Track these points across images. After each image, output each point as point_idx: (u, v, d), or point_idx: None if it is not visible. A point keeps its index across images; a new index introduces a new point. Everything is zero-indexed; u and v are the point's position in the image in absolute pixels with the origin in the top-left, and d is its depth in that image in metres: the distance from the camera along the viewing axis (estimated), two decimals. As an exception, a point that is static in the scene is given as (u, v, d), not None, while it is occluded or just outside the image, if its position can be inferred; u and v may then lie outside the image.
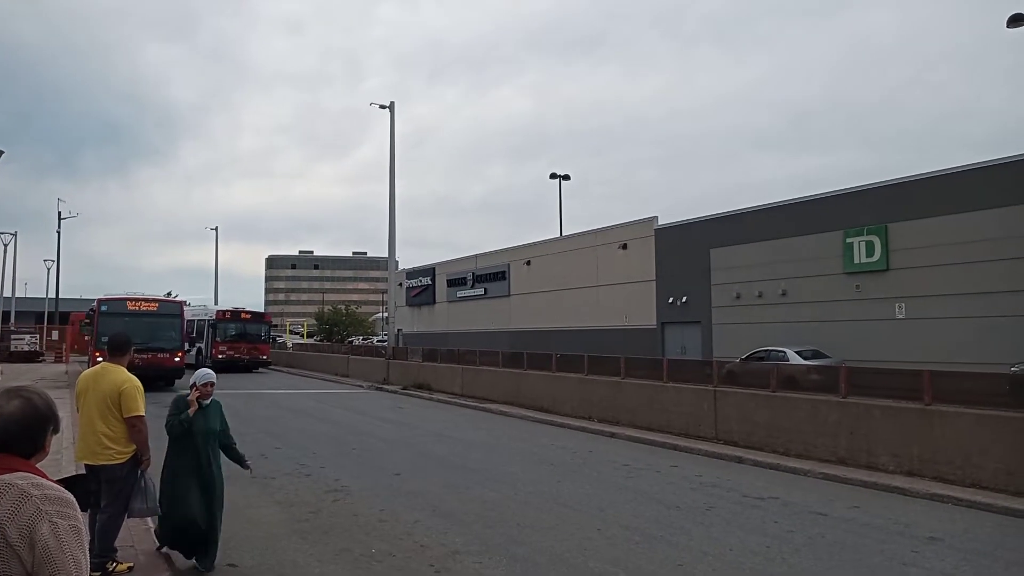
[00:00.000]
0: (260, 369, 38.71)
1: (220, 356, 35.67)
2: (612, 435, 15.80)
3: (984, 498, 9.83)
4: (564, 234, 38.57)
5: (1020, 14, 22.46)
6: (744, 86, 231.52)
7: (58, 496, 1.99)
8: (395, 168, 31.04)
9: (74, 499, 2.03)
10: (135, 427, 5.93)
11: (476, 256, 42.56)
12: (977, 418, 10.77)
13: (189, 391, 6.52)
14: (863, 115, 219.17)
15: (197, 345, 37.56)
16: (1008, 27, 22.76)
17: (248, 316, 38.71)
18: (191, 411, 6.33)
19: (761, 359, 20.74)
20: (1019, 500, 9.68)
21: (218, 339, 36.75)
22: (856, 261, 22.39)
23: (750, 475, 11.84)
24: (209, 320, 37.89)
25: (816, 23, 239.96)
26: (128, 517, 6.14)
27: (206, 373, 6.60)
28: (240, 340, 37.44)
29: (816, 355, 20.75)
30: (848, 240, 22.58)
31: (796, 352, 20.71)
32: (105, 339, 6.96)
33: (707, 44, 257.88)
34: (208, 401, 6.53)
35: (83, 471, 6.16)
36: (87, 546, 2.00)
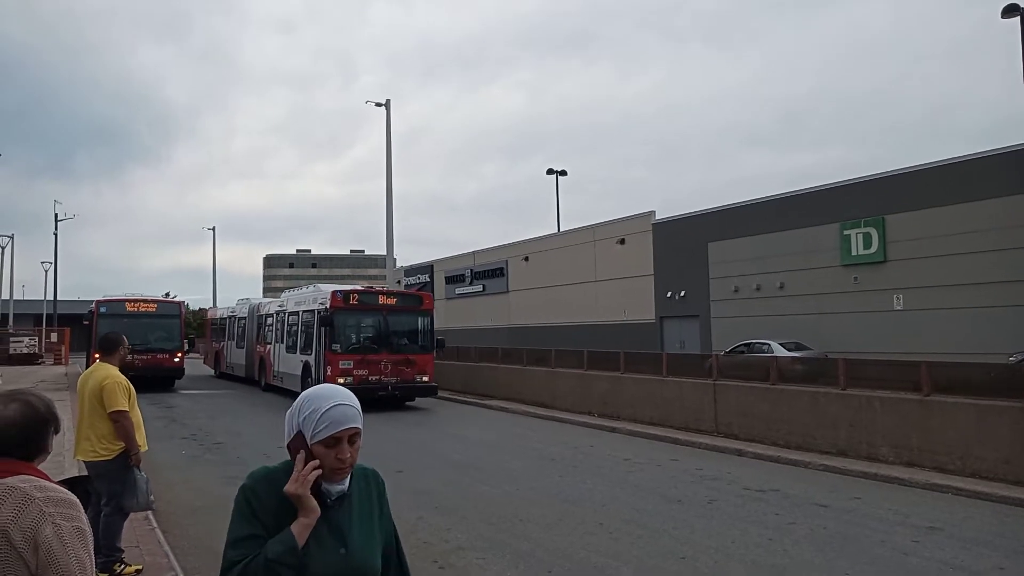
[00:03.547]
0: (415, 401, 21.05)
1: (343, 382, 17.43)
2: (612, 430, 15.83)
3: (983, 487, 9.89)
4: (561, 230, 38.56)
5: (1015, 4, 22.48)
6: (736, 83, 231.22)
7: (61, 498, 2.00)
8: (392, 166, 31.02)
9: (77, 500, 2.03)
10: (118, 422, 5.95)
11: (474, 253, 42.52)
12: (975, 408, 10.81)
13: (284, 464, 2.06)
14: (855, 110, 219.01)
15: (303, 359, 21.01)
16: (1003, 17, 22.77)
17: (394, 301, 20.80)
18: (306, 521, 1.95)
19: (742, 352, 20.83)
20: (1017, 489, 9.73)
21: (337, 346, 19.20)
22: (853, 253, 22.40)
23: (751, 468, 11.87)
24: (320, 311, 20.03)
25: (807, 18, 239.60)
26: (123, 511, 6.16)
27: (339, 407, 2.03)
28: (382, 346, 19.82)
29: (798, 347, 20.82)
30: (845, 232, 22.59)
31: (780, 344, 20.79)
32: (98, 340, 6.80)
33: (698, 41, 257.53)
34: (345, 483, 2.08)
35: (84, 471, 6.18)
36: (92, 547, 2.01)
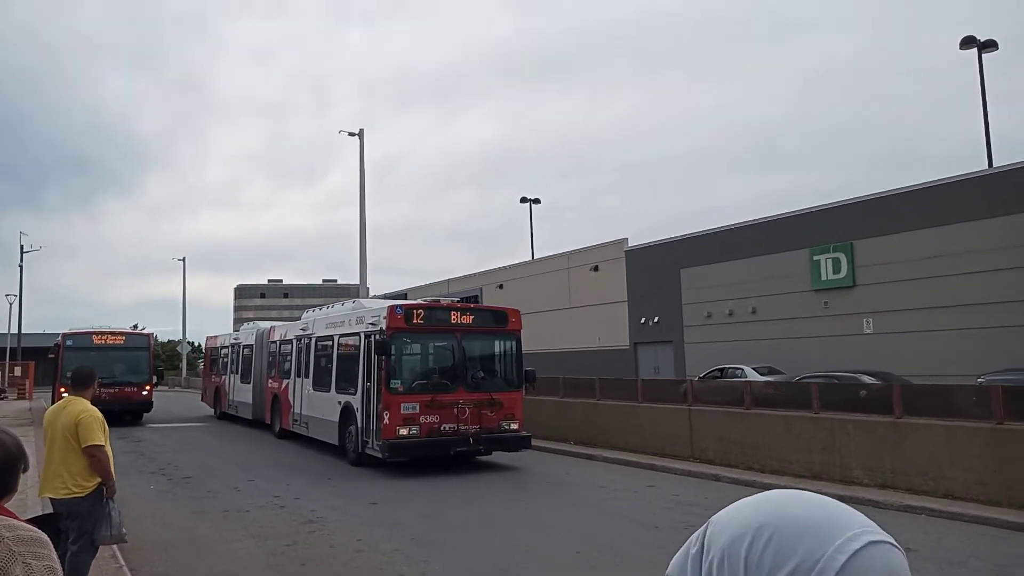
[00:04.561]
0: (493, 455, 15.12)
1: (405, 434, 13.42)
2: (589, 457, 15.78)
3: (956, 508, 9.97)
4: (535, 257, 38.72)
5: (972, 36, 23.22)
6: (708, 109, 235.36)
7: (31, 536, 1.94)
8: (365, 195, 31.02)
9: (47, 539, 1.98)
10: (94, 456, 5.81)
11: (448, 281, 42.52)
12: (947, 430, 10.94)
13: None
14: (827, 136, 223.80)
15: (342, 400, 15.47)
16: (961, 49, 23.52)
17: (471, 319, 14.89)
18: None
19: (716, 377, 21.00)
20: (990, 509, 9.83)
21: (397, 382, 13.75)
22: (823, 278, 22.74)
23: (727, 492, 11.87)
24: (370, 334, 14.48)
25: (777, 47, 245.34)
26: (94, 545, 6.00)
27: (876, 547, 0.82)
28: (457, 381, 14.25)
29: (771, 371, 21.05)
30: (815, 257, 22.95)
31: (753, 369, 21.00)
32: (69, 374, 6.58)
33: (672, 68, 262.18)
34: None
35: (48, 508, 6.01)
36: None
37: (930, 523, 9.59)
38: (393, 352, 13.65)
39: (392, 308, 13.88)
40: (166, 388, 43.24)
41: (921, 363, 19.21)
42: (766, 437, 13.38)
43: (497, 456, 15.03)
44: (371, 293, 48.70)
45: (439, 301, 15.43)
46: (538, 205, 44.07)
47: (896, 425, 11.51)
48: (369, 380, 14.29)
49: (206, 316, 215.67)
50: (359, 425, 14.38)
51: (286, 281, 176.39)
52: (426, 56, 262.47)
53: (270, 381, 21.21)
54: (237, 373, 25.00)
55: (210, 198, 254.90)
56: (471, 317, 14.76)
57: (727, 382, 18.45)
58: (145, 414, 24.83)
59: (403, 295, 46.03)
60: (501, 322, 15.29)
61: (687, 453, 14.71)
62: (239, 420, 24.15)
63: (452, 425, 13.68)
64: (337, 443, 15.48)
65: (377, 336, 13.93)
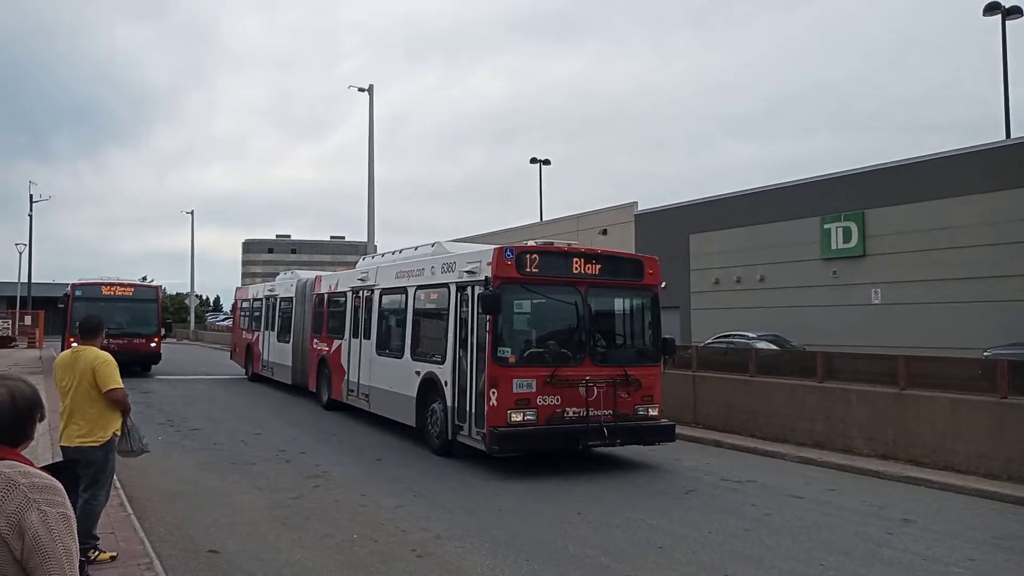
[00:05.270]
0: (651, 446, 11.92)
1: (520, 420, 10.25)
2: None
3: (957, 480, 10.04)
4: (545, 219, 38.57)
5: (996, 2, 22.69)
6: (720, 71, 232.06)
7: (46, 484, 1.98)
8: (374, 151, 30.83)
9: (62, 486, 2.02)
10: (116, 399, 5.95)
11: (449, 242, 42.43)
12: (950, 402, 10.96)
13: None
14: (839, 99, 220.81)
15: (425, 369, 12.28)
16: (984, 15, 23.01)
17: (598, 269, 11.38)
18: None
19: (722, 344, 20.97)
20: (990, 482, 9.90)
21: (506, 350, 10.48)
22: (833, 247, 22.60)
23: (728, 459, 11.99)
24: (468, 285, 11.25)
25: (791, 5, 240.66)
26: (119, 456, 6.24)
27: None
28: (580, 351, 10.99)
29: (777, 340, 21.01)
30: (825, 226, 22.78)
31: (759, 336, 20.95)
32: (78, 324, 6.63)
33: (683, 28, 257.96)
34: None
35: (59, 457, 6.12)
36: (76, 534, 1.99)
37: (930, 494, 9.67)
38: (503, 309, 10.45)
39: (500, 251, 10.69)
40: (174, 340, 43.69)
41: (928, 335, 19.17)
42: (769, 405, 13.45)
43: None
44: (379, 251, 48.70)
45: (552, 244, 11.64)
46: (548, 166, 43.74)
47: (900, 396, 11.54)
48: (463, 347, 11.19)
49: (214, 269, 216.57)
50: (449, 404, 11.21)
51: (294, 236, 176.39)
52: (435, 11, 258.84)
53: (316, 341, 18.07)
54: (273, 330, 22.25)
55: (218, 151, 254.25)
56: (598, 266, 11.31)
57: (732, 349, 18.47)
58: (154, 365, 25.04)
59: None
60: (636, 273, 11.90)
61: (691, 419, 14.79)
62: (274, 383, 21.53)
63: (578, 410, 10.50)
64: (414, 424, 12.35)
65: (477, 289, 10.80)
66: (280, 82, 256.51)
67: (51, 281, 58.14)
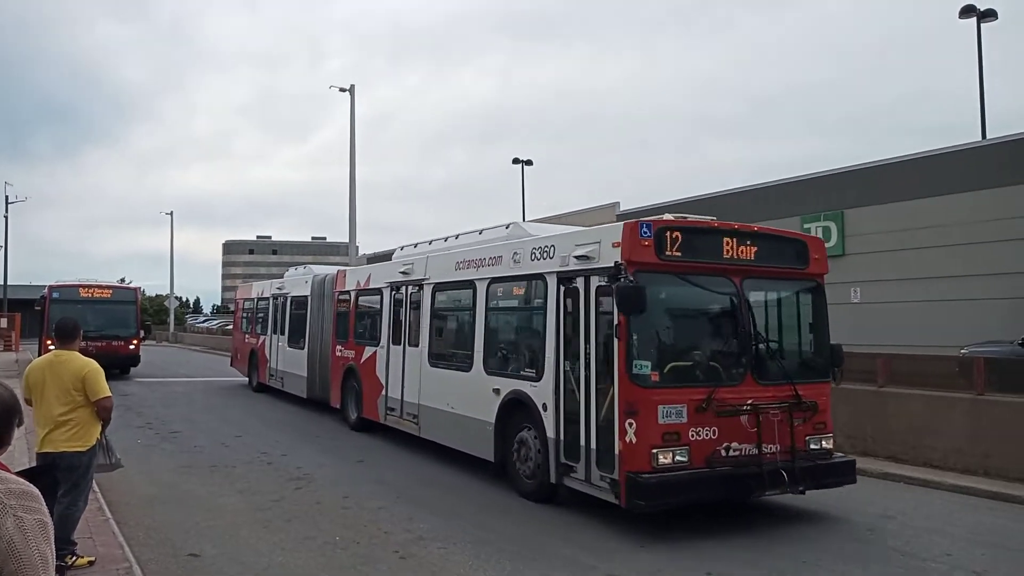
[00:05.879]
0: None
1: (669, 462, 7.35)
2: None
3: (935, 476, 10.17)
4: (527, 219, 38.58)
5: (972, 5, 23.02)
6: (703, 73, 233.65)
7: (22, 490, 1.95)
8: (355, 151, 30.71)
9: (39, 493, 1.98)
10: (105, 407, 5.93)
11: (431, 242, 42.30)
12: (928, 399, 11.10)
13: None
14: (820, 102, 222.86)
15: (509, 387, 9.36)
16: (960, 18, 23.32)
17: (753, 252, 8.50)
18: None
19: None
20: (967, 478, 10.03)
21: (645, 364, 7.56)
22: (813, 246, 22.76)
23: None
24: (586, 273, 8.26)
25: (774, 9, 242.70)
26: (84, 496, 6.12)
27: None
28: (740, 366, 8.11)
29: None
30: (805, 226, 22.92)
31: None
32: (54, 326, 6.47)
33: (668, 30, 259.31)
34: None
35: (35, 462, 6.04)
36: (53, 541, 1.96)
37: (908, 491, 9.78)
38: (641, 308, 7.41)
39: (634, 227, 7.73)
40: (153, 342, 43.32)
41: (907, 333, 19.36)
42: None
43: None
44: (360, 252, 48.47)
45: (700, 219, 8.99)
46: (530, 167, 43.79)
47: (878, 394, 11.66)
48: (572, 359, 8.42)
49: (193, 271, 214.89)
50: (551, 436, 8.45)
51: (275, 237, 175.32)
52: (420, 10, 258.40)
53: (340, 348, 15.18)
54: (283, 334, 19.17)
55: (198, 151, 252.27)
56: (754, 248, 8.51)
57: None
58: (132, 368, 24.78)
59: (387, 256, 45.81)
60: (800, 259, 9.08)
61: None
62: (287, 397, 18.37)
63: (744, 446, 7.72)
64: (492, 459, 9.62)
65: (597, 280, 8.10)
66: (263, 81, 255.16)
67: (28, 283, 57.46)
